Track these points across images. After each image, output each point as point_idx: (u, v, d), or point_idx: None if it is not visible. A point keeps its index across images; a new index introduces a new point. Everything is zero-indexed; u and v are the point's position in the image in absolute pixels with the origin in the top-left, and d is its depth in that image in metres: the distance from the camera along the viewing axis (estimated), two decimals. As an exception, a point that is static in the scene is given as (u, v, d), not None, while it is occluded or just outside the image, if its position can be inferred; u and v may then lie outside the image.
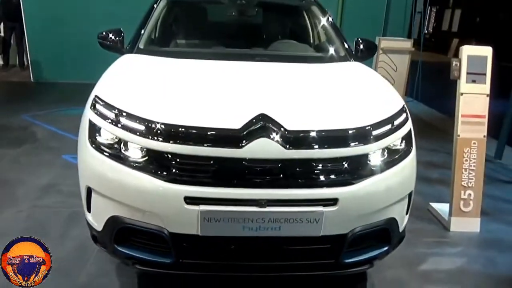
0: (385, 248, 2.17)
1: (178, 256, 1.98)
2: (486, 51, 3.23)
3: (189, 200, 1.87)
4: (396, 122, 2.17)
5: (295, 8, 3.65)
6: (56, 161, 4.11)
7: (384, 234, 2.15)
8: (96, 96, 2.20)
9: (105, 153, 2.03)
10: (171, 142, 1.90)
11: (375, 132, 2.04)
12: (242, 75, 2.55)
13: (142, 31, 3.09)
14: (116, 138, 2.04)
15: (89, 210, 2.18)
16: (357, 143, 1.99)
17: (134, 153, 1.98)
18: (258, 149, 1.88)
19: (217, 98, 2.16)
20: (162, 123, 1.93)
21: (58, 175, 3.80)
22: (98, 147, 2.06)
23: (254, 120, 1.92)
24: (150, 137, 1.93)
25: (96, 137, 2.09)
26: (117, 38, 3.06)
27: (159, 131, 1.92)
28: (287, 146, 1.89)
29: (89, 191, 2.12)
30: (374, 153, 2.05)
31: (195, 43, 3.28)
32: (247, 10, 3.62)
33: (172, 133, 1.91)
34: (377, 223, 2.09)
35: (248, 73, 2.58)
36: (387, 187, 2.05)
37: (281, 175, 1.91)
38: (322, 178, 1.94)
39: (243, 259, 2.04)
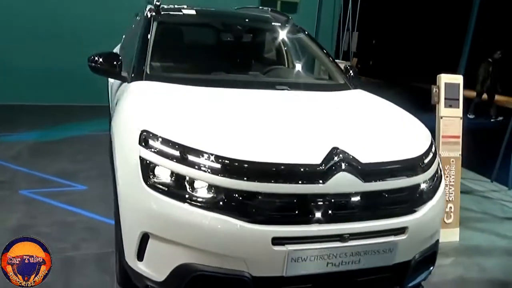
0: (431, 268, 2.31)
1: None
2: (459, 79, 3.62)
3: (277, 240, 1.80)
4: (433, 150, 2.34)
5: (283, 33, 3.70)
6: (15, 198, 3.59)
7: (432, 256, 2.28)
8: (145, 130, 2.00)
9: (168, 194, 1.85)
10: (254, 180, 1.81)
11: (425, 161, 2.18)
12: (282, 105, 2.53)
13: (146, 57, 2.88)
14: (180, 176, 1.87)
15: (140, 258, 1.95)
16: (417, 171, 2.10)
17: (204, 192, 1.84)
18: (339, 183, 1.89)
19: (280, 131, 2.12)
20: (243, 161, 1.83)
21: (26, 214, 3.32)
22: (157, 187, 1.87)
23: (331, 154, 1.92)
24: (228, 175, 1.81)
25: (152, 177, 1.90)
26: (116, 63, 2.81)
27: (239, 169, 1.82)
28: (364, 179, 1.92)
29: (144, 237, 1.91)
30: (426, 180, 2.18)
31: (202, 68, 3.16)
32: (241, 34, 3.58)
33: (254, 170, 1.82)
34: (431, 246, 2.21)
35: (287, 103, 2.57)
36: (438, 211, 2.20)
37: (361, 208, 1.93)
38: (394, 208, 2.01)
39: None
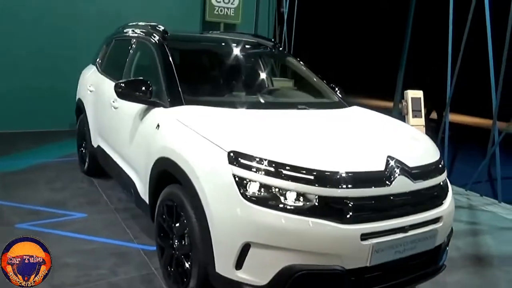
0: (447, 250, 2.83)
1: (349, 290, 2.19)
2: (420, 94, 4.32)
3: (364, 236, 2.14)
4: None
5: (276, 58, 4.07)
6: (16, 233, 3.38)
7: (450, 239, 2.80)
8: (234, 151, 2.21)
9: (268, 205, 2.09)
10: (343, 187, 2.14)
11: (442, 162, 2.71)
12: (319, 123, 2.89)
13: (177, 82, 3.03)
14: (276, 188, 2.12)
15: (239, 267, 2.16)
16: (440, 171, 2.61)
17: (300, 201, 2.11)
18: (399, 185, 2.30)
19: (339, 145, 2.47)
20: (332, 172, 2.15)
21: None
22: (256, 200, 2.11)
23: (388, 162, 2.33)
24: (321, 184, 2.11)
25: (249, 191, 2.13)
26: (147, 89, 2.95)
27: (330, 179, 2.13)
28: (414, 180, 2.36)
29: (245, 247, 2.12)
30: (445, 178, 2.70)
31: (222, 90, 3.40)
32: (244, 58, 3.85)
33: (341, 179, 2.15)
34: (451, 231, 2.73)
35: (320, 121, 2.94)
36: (452, 202, 2.72)
37: (413, 204, 2.37)
38: (431, 202, 2.48)
39: (389, 279, 2.37)
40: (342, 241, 2.11)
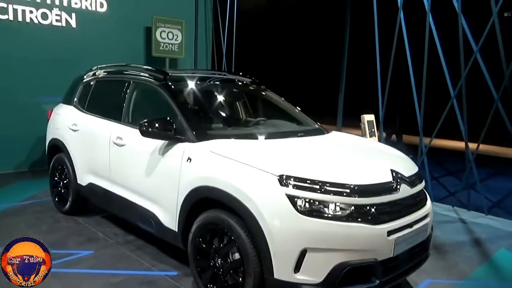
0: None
1: (382, 277, 2.74)
2: (372, 117, 5.14)
3: (389, 233, 2.73)
4: None
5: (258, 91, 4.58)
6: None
7: (431, 232, 3.50)
8: (283, 175, 2.68)
9: (319, 216, 2.59)
10: (370, 196, 2.71)
11: (420, 172, 3.44)
12: (323, 147, 3.45)
13: (196, 119, 3.42)
14: (318, 202, 2.62)
15: (297, 270, 2.60)
16: (422, 178, 3.32)
17: (343, 210, 2.64)
18: (403, 191, 2.94)
19: (352, 163, 3.06)
20: (361, 185, 2.71)
21: (67, 286, 3.26)
22: (309, 213, 2.59)
23: (393, 174, 2.97)
24: (355, 195, 2.66)
25: (301, 207, 2.60)
26: (171, 127, 3.28)
27: (361, 191, 2.69)
28: (411, 186, 3.03)
29: (302, 253, 2.58)
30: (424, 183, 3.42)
31: (228, 123, 3.81)
32: (235, 94, 4.30)
33: (369, 190, 2.72)
34: (432, 224, 3.44)
35: (323, 145, 3.50)
36: (430, 202, 3.44)
37: (413, 204, 3.02)
38: (421, 202, 3.16)
39: (403, 266, 2.96)
40: (375, 239, 2.67)
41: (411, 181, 3.07)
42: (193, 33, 9.05)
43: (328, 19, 12.88)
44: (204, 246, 3.08)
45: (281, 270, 2.63)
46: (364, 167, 3.03)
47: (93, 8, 7.51)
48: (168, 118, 3.33)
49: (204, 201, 3.09)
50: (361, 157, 3.30)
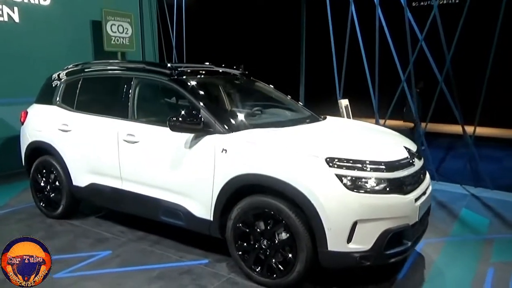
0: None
1: (411, 239, 3.18)
2: (347, 102, 5.62)
3: (415, 200, 3.18)
4: None
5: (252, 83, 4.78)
6: (63, 283, 3.33)
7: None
8: (329, 157, 2.99)
9: (366, 191, 2.95)
10: (398, 171, 3.12)
11: None
12: (337, 131, 3.80)
13: (221, 111, 3.56)
14: (361, 179, 2.97)
15: (349, 241, 2.95)
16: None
17: (381, 183, 3.02)
18: (417, 164, 3.42)
19: (375, 144, 3.46)
20: (393, 161, 3.12)
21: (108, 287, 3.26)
22: (357, 189, 2.94)
23: (407, 150, 3.43)
24: (389, 171, 3.06)
25: (350, 184, 2.94)
26: (200, 121, 3.42)
27: (393, 166, 3.10)
28: (419, 160, 3.53)
29: (354, 224, 2.93)
30: None
31: (251, 115, 4.02)
32: (238, 85, 4.45)
33: (397, 166, 3.14)
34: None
35: (336, 129, 3.85)
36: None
37: (422, 175, 3.51)
38: (425, 173, 3.67)
39: (421, 228, 3.43)
40: (408, 206, 3.10)
41: (418, 155, 3.57)
42: (139, 26, 8.85)
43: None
44: (247, 230, 3.28)
45: (335, 242, 2.95)
46: (385, 146, 3.45)
47: (37, 1, 7.04)
48: (195, 112, 3.44)
49: (243, 189, 3.28)
50: (375, 137, 3.72)
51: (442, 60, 6.28)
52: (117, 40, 7.90)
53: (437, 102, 6.38)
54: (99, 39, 7.83)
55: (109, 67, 4.46)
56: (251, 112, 4.09)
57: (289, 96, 4.75)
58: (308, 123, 3.97)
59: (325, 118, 4.33)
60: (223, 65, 4.92)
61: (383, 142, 3.59)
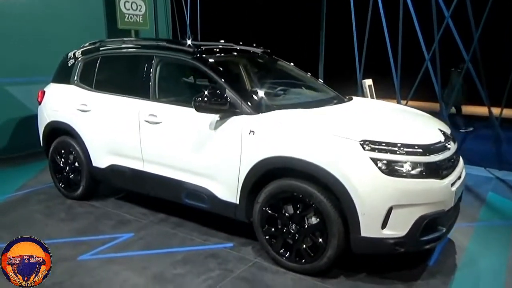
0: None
1: (445, 225, 3.06)
2: (371, 81, 5.44)
3: (451, 185, 3.04)
4: None
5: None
6: (91, 265, 3.28)
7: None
8: (364, 140, 2.85)
9: (401, 175, 2.81)
10: (435, 154, 2.97)
11: None
12: (368, 112, 3.65)
13: (248, 91, 3.44)
14: (396, 162, 2.83)
15: (384, 227, 2.83)
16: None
17: (417, 168, 2.87)
18: (452, 147, 3.27)
19: (409, 126, 3.31)
20: (428, 144, 2.97)
21: (135, 271, 3.19)
22: (393, 173, 2.80)
23: (442, 133, 3.28)
24: (425, 154, 2.91)
25: (385, 168, 2.81)
26: (227, 100, 3.29)
27: (429, 150, 2.95)
28: (454, 143, 3.37)
29: (389, 210, 2.81)
30: None
31: (276, 95, 3.88)
32: (265, 67, 4.31)
33: (433, 149, 2.99)
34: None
35: (365, 110, 3.70)
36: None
37: (457, 159, 3.35)
38: (458, 157, 3.50)
39: (454, 214, 3.31)
40: (444, 191, 2.97)
41: (453, 138, 3.41)
42: (152, 3, 8.64)
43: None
44: (275, 214, 3.18)
45: (369, 228, 2.85)
46: (419, 129, 3.30)
47: (50, -22, 6.87)
48: (221, 92, 3.31)
49: (271, 172, 3.17)
50: (407, 119, 3.56)
51: (469, 38, 6.05)
52: (131, 18, 7.73)
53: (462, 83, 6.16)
54: (112, 17, 7.67)
55: (128, 45, 4.32)
56: (277, 92, 3.94)
57: (312, 76, 4.59)
58: (335, 104, 3.81)
59: (351, 98, 4.17)
60: (241, 43, 4.75)
61: (416, 124, 3.44)
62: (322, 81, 4.60)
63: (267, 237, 3.27)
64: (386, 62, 6.77)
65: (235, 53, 4.35)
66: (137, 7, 7.82)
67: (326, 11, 7.01)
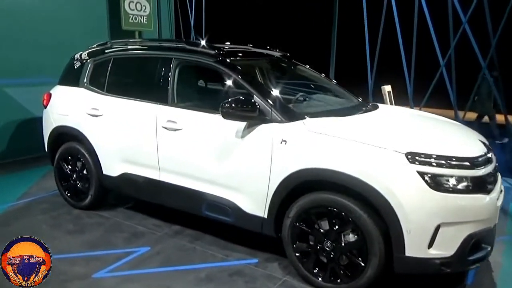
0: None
1: (491, 243, 2.87)
2: (389, 88, 5.26)
3: (496, 200, 2.85)
4: None
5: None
6: (107, 283, 3.03)
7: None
8: (410, 152, 2.64)
9: (452, 191, 2.61)
10: (481, 168, 2.77)
11: None
12: (401, 121, 3.45)
13: (279, 97, 3.23)
14: (443, 176, 2.63)
15: (430, 246, 2.63)
16: None
17: (465, 182, 2.68)
18: (493, 160, 3.08)
19: (451, 137, 3.12)
20: (474, 157, 2.77)
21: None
22: (443, 189, 2.60)
23: (484, 145, 3.10)
24: (472, 168, 2.71)
25: (430, 182, 2.61)
26: (257, 107, 3.08)
27: (475, 163, 2.74)
28: (494, 155, 3.18)
29: (437, 228, 2.60)
30: None
31: (303, 102, 3.67)
32: (287, 72, 4.11)
33: (479, 162, 2.78)
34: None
35: (398, 119, 3.51)
36: None
37: (497, 171, 3.16)
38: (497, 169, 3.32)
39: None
40: (491, 207, 2.77)
41: (492, 150, 3.23)
42: (156, 3, 8.39)
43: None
44: (308, 230, 2.97)
45: (414, 247, 2.64)
46: (462, 140, 3.12)
47: (52, -24, 6.59)
48: (250, 98, 3.10)
49: (305, 185, 2.96)
50: (446, 129, 3.37)
51: (486, 45, 5.91)
52: (135, 19, 7.47)
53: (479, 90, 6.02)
54: (115, 17, 7.41)
55: (143, 46, 4.09)
56: (304, 99, 3.73)
57: (334, 81, 4.39)
58: (365, 111, 3.60)
59: (376, 105, 3.97)
60: (252, 45, 4.52)
61: (457, 135, 3.24)
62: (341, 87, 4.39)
63: (298, 254, 3.05)
64: (399, 67, 6.61)
65: (258, 57, 4.13)
66: (141, 7, 7.57)
67: (338, 13, 6.84)
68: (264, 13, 13.14)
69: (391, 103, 5.29)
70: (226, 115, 3.07)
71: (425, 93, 6.43)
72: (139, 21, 7.56)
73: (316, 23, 11.44)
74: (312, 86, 4.24)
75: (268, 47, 4.55)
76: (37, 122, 4.68)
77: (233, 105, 3.04)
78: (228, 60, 3.46)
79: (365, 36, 6.78)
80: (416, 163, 2.63)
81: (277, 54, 4.44)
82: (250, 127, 3.15)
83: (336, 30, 6.82)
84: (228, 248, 3.57)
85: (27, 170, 5.77)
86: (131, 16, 7.41)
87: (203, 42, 3.73)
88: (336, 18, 6.72)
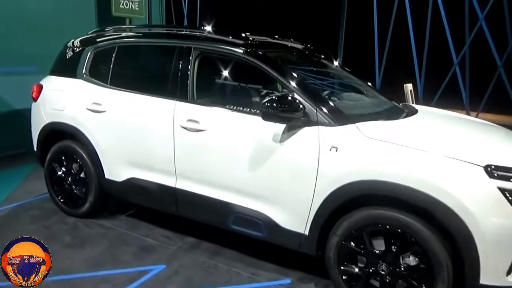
0: None
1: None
2: (411, 86, 4.93)
3: None
4: None
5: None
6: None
7: None
8: (490, 165, 2.29)
9: None
10: None
11: None
12: (452, 127, 3.11)
13: (325, 97, 2.86)
14: None
15: (509, 273, 2.30)
16: None
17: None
18: None
19: (493, 145, 2.79)
20: None
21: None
22: None
23: None
24: None
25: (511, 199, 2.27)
26: (303, 108, 2.67)
27: None
28: None
29: None
30: None
31: (348, 102, 3.28)
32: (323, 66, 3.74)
33: None
34: None
35: (455, 124, 3.21)
36: None
37: None
38: None
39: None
40: None
41: None
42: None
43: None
44: (359, 250, 2.58)
45: (491, 274, 2.29)
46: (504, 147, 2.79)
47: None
48: (294, 98, 2.67)
49: (358, 199, 2.56)
50: (504, 136, 3.04)
51: (503, 42, 5.67)
52: (126, 5, 6.88)
53: (493, 90, 5.79)
54: (104, 3, 6.80)
55: (156, 32, 3.58)
56: (348, 98, 3.32)
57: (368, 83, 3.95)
58: (409, 114, 3.21)
59: (410, 106, 3.61)
60: (292, 39, 4.08)
61: (502, 141, 2.92)
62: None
63: (345, 277, 2.66)
64: (410, 64, 6.31)
65: (288, 50, 3.68)
66: (132, -8, 6.98)
67: (347, 5, 6.46)
68: (266, 4, 12.42)
69: (412, 102, 4.99)
70: (266, 116, 2.64)
71: (436, 91, 6.15)
72: (130, 7, 6.97)
73: (322, 17, 10.88)
74: (345, 83, 3.83)
75: (291, 39, 4.10)
76: (16, 115, 4.10)
77: (275, 104, 2.61)
78: (261, 52, 3.02)
79: (374, 30, 6.44)
80: (497, 177, 2.28)
81: (300, 46, 4.00)
82: (291, 130, 2.73)
83: (345, 23, 6.45)
84: (254, 266, 3.15)
85: (8, 169, 5.15)
86: (122, 1, 6.81)
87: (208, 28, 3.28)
88: (345, 10, 6.35)
